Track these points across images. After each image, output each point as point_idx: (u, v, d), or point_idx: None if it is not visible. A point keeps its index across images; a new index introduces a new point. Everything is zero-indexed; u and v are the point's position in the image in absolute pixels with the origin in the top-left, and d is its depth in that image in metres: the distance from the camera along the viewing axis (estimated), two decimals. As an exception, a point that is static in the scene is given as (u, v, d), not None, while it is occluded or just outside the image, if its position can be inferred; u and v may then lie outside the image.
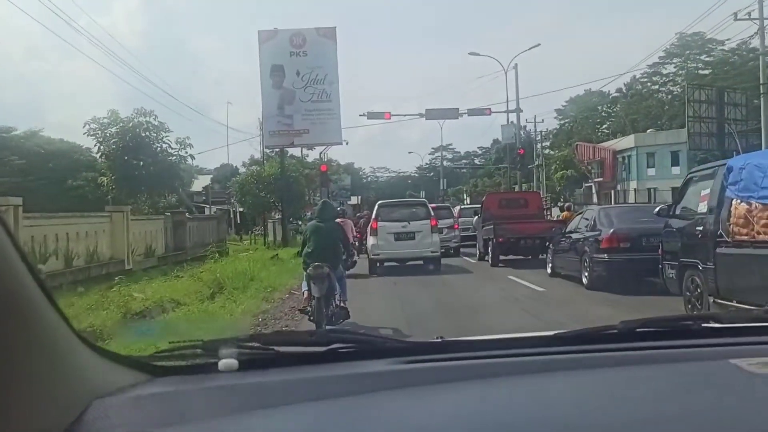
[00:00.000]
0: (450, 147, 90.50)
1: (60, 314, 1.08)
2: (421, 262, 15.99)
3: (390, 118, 29.59)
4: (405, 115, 31.84)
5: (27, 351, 0.96)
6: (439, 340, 1.64)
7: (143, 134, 22.43)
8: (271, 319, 9.41)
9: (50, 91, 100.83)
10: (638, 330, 1.61)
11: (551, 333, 1.61)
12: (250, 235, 34.36)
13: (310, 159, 44.00)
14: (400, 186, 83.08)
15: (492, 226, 17.05)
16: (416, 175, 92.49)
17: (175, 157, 23.06)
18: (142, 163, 21.93)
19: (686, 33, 62.11)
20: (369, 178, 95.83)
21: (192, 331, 1.85)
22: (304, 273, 8.00)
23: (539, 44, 31.83)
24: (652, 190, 50.99)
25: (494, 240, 16.94)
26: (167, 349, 1.56)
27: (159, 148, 22.96)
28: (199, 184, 50.09)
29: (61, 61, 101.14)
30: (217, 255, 17.28)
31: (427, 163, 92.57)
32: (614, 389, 1.31)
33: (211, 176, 58.79)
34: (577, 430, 1.07)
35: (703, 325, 1.68)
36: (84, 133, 22.54)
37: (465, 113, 29.34)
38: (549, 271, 14.27)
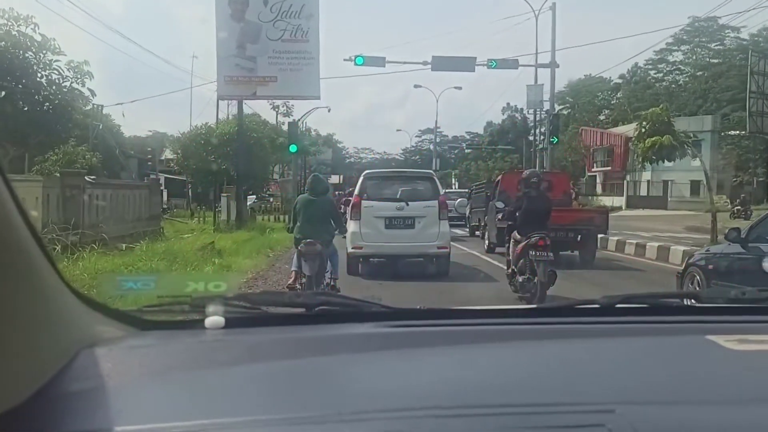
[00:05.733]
0: (438, 130, 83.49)
1: (52, 264, 1.04)
2: (421, 260, 10.81)
3: (385, 67, 21.47)
4: (404, 63, 23.14)
5: (18, 298, 0.92)
6: (423, 308, 1.61)
7: (16, 52, 14.05)
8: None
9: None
10: (619, 305, 1.59)
11: (533, 305, 1.69)
12: (199, 212, 26.11)
13: (285, 127, 35.56)
14: (384, 168, 75.79)
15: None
16: (401, 158, 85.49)
17: (66, 89, 14.68)
18: (3, 93, 13.55)
19: (700, 17, 55.85)
20: (352, 159, 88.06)
21: (181, 288, 1.66)
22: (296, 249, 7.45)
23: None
24: (668, 183, 43.68)
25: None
26: (155, 304, 1.53)
27: (45, 78, 14.61)
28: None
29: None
30: (58, 248, 9.07)
31: (413, 146, 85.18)
32: (592, 358, 1.28)
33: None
34: (555, 394, 1.05)
35: (683, 302, 1.66)
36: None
37: (483, 64, 21.31)
38: None
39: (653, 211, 39.07)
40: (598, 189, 50.39)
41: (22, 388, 0.92)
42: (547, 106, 24.34)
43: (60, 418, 0.93)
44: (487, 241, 15.05)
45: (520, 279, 7.97)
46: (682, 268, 7.88)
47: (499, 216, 9.40)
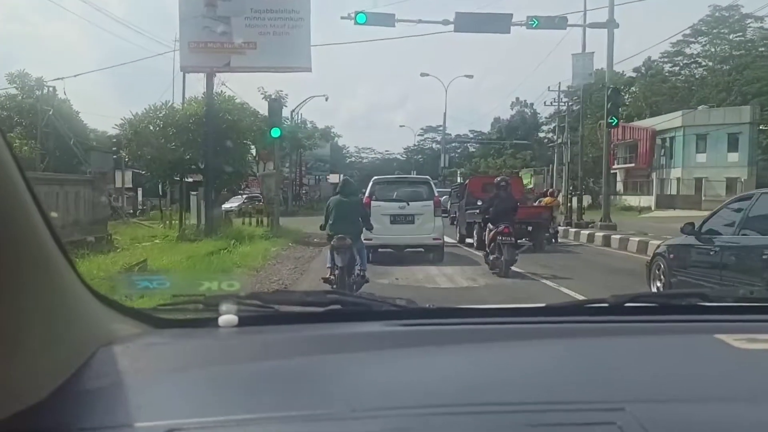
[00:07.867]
0: (440, 128, 78.92)
1: (70, 263, 1.02)
2: (420, 249, 12.60)
3: (395, 26, 16.52)
4: (419, 22, 17.75)
5: (38, 297, 0.92)
6: (433, 306, 1.60)
7: None
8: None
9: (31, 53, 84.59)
10: (627, 304, 1.56)
11: (542, 305, 1.58)
12: (169, 214, 21.11)
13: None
14: (386, 168, 71.28)
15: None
16: (403, 157, 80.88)
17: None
18: None
19: (721, 6, 51.37)
20: (353, 158, 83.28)
21: (194, 287, 1.65)
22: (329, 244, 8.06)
23: None
24: (701, 180, 38.71)
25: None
26: (170, 303, 1.55)
27: None
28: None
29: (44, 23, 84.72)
30: None
31: (415, 144, 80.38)
32: (601, 356, 1.26)
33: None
34: (565, 392, 1.04)
35: (691, 302, 1.63)
36: None
37: (522, 24, 16.35)
38: None
39: (686, 211, 34.07)
40: (620, 187, 45.41)
41: (43, 384, 0.92)
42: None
43: (80, 414, 0.93)
44: (458, 234, 16.90)
45: (491, 258, 10.65)
46: (650, 257, 8.69)
47: (477, 212, 12.67)
